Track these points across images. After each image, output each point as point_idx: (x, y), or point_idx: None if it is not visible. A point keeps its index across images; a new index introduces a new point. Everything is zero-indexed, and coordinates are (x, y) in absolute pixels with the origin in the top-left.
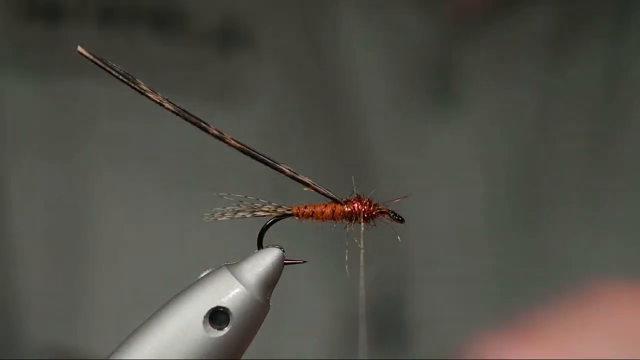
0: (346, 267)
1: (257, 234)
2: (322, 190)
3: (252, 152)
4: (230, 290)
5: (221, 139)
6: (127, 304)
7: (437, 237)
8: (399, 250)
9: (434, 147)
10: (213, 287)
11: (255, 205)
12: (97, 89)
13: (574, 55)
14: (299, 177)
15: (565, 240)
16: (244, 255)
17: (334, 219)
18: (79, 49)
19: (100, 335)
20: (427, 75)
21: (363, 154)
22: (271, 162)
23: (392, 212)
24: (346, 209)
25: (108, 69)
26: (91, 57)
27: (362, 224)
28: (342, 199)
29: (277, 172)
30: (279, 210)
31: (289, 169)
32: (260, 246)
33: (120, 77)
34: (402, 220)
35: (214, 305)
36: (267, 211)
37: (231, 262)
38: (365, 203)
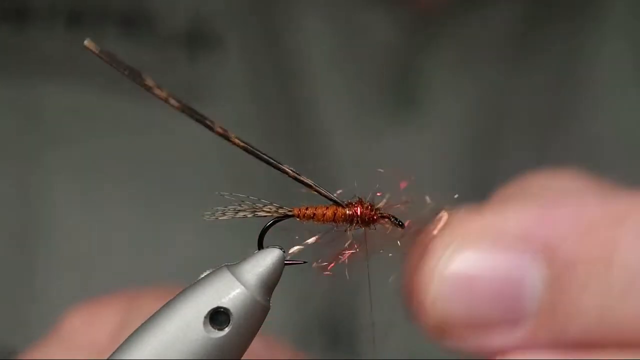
0: (346, 270)
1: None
2: (324, 192)
3: (256, 151)
4: (230, 290)
5: (226, 137)
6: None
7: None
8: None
9: (395, 149)
10: (213, 287)
11: (257, 206)
12: (63, 93)
13: (533, 56)
14: (302, 178)
15: None
16: (244, 256)
17: (335, 222)
18: (86, 42)
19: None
20: (389, 78)
21: (324, 156)
22: (274, 162)
23: (392, 216)
24: (347, 212)
25: (114, 64)
26: (97, 52)
27: (364, 227)
28: (343, 202)
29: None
30: (280, 211)
31: (292, 170)
32: (260, 246)
33: (126, 72)
34: (402, 225)
35: (214, 306)
36: (269, 212)
37: (230, 263)
38: (367, 207)
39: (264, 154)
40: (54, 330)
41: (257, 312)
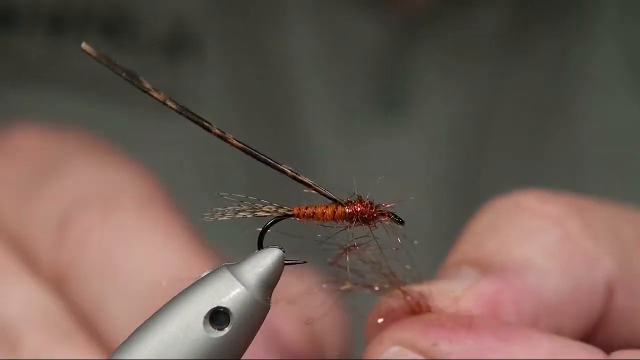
0: (347, 269)
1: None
2: (323, 191)
3: (254, 152)
4: (230, 290)
5: (223, 138)
6: None
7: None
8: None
9: (381, 150)
10: (213, 287)
11: (256, 206)
12: (44, 98)
13: (521, 57)
14: (301, 178)
15: None
16: (244, 256)
17: (335, 220)
18: (83, 46)
19: None
20: (375, 80)
21: (310, 160)
22: (273, 162)
23: (392, 214)
24: (347, 210)
25: (112, 67)
26: (95, 55)
27: (364, 225)
28: (343, 201)
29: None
30: (280, 210)
31: (290, 170)
32: (260, 246)
33: (124, 75)
34: (402, 222)
35: (214, 306)
36: (268, 211)
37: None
38: (366, 205)
39: (262, 154)
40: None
41: (257, 312)
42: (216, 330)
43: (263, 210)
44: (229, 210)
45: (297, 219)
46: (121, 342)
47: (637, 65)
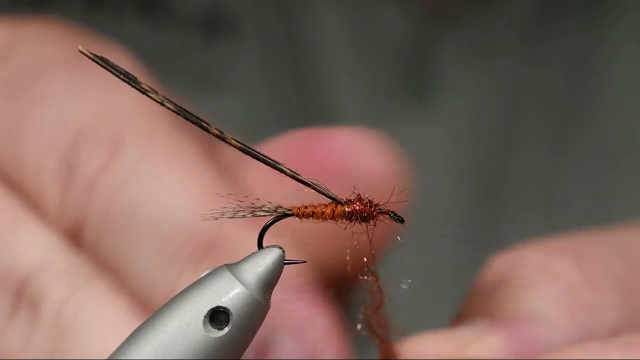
0: (348, 266)
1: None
2: (322, 190)
3: (252, 151)
4: (230, 290)
5: (222, 138)
6: None
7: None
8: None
9: (405, 140)
10: (213, 287)
11: (256, 205)
12: None
13: (545, 48)
14: (300, 177)
15: (525, 242)
16: (244, 255)
17: (334, 219)
18: (80, 48)
19: None
20: (402, 69)
21: None
22: (272, 162)
23: (392, 212)
24: (346, 209)
25: (109, 68)
26: (92, 56)
27: (364, 224)
28: (342, 199)
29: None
30: (279, 210)
31: (289, 169)
32: (260, 246)
33: (121, 76)
34: (402, 221)
35: (214, 305)
36: (268, 211)
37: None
38: (366, 203)
39: (261, 153)
40: None
41: (257, 312)
42: (216, 330)
43: (262, 210)
44: (228, 210)
45: (297, 218)
46: (122, 342)
47: None
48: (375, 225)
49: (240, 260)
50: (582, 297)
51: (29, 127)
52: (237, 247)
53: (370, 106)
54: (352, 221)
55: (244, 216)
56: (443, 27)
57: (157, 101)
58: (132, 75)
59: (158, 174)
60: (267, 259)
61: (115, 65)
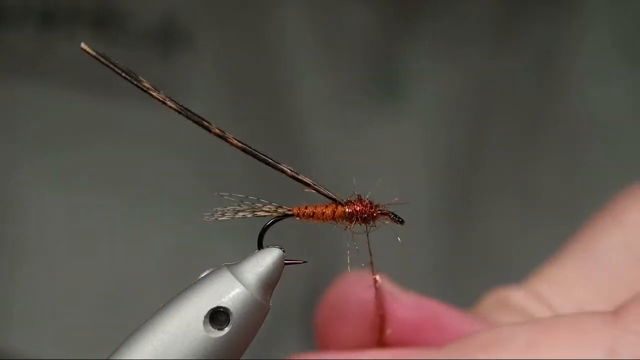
0: (348, 267)
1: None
2: (322, 190)
3: (254, 151)
4: (230, 290)
5: (223, 138)
6: (60, 303)
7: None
8: (334, 243)
9: (377, 138)
10: (213, 287)
11: (256, 206)
12: (34, 94)
13: (514, 41)
14: (300, 177)
15: (501, 235)
16: (244, 255)
17: (334, 220)
18: (82, 45)
19: (33, 337)
20: (369, 68)
21: (304, 150)
22: (272, 161)
23: (392, 213)
24: (347, 210)
25: (111, 66)
26: (94, 54)
27: (364, 225)
28: (342, 200)
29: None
30: (280, 210)
31: (290, 169)
32: (260, 246)
33: (123, 74)
34: (402, 222)
35: (214, 306)
36: (268, 211)
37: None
38: (366, 204)
39: (261, 153)
40: None
41: (257, 312)
42: (216, 330)
43: (263, 210)
44: (228, 210)
45: (297, 218)
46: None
47: (626, 50)
48: (375, 226)
49: (241, 261)
50: None
51: None
52: None
53: (340, 107)
54: (352, 222)
55: (244, 216)
56: (411, 22)
57: (159, 100)
58: (134, 74)
59: None
60: (267, 259)
61: (117, 64)
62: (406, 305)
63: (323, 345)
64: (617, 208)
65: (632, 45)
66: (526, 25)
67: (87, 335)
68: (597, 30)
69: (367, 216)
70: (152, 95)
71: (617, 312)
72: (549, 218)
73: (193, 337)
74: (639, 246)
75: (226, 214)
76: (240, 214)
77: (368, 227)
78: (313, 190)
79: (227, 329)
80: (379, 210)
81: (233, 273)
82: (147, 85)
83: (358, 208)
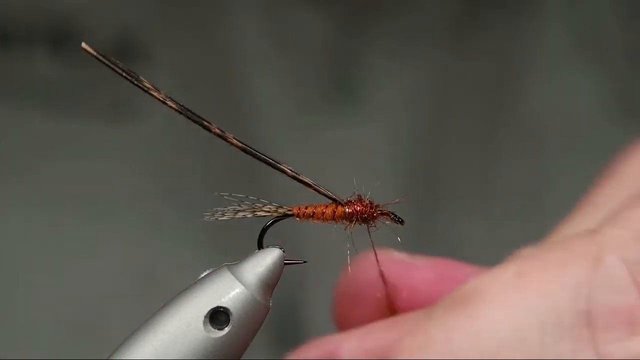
0: (349, 267)
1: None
2: (323, 190)
3: (254, 151)
4: (230, 290)
5: (223, 137)
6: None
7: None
8: (296, 250)
9: (338, 140)
10: (213, 287)
11: (256, 206)
12: None
13: (472, 40)
14: (301, 178)
15: (465, 233)
16: (244, 255)
17: (334, 220)
18: (83, 45)
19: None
20: (327, 70)
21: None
22: (273, 162)
23: (392, 213)
24: (347, 210)
25: (112, 66)
26: (95, 54)
27: (364, 224)
28: (342, 200)
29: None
30: (280, 210)
31: (290, 170)
32: (260, 246)
33: (124, 74)
34: (402, 222)
35: (214, 305)
36: (268, 211)
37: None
38: (366, 204)
39: (261, 153)
40: None
41: (257, 312)
42: (216, 330)
43: (263, 210)
44: (228, 210)
45: (297, 218)
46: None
47: (584, 48)
48: (375, 226)
49: (241, 261)
50: None
51: None
52: None
53: (299, 112)
54: (352, 222)
55: (244, 216)
56: (369, 22)
57: (159, 100)
58: (135, 74)
59: None
60: (267, 259)
61: (118, 63)
62: (421, 268)
63: (342, 327)
64: (621, 165)
65: (590, 44)
66: (485, 25)
67: (55, 354)
68: (556, 29)
69: (367, 216)
70: (152, 95)
71: (596, 229)
72: (513, 215)
73: (193, 337)
74: None
75: (226, 214)
76: (240, 214)
77: (368, 227)
78: (313, 191)
79: (227, 329)
80: (379, 211)
81: (233, 273)
82: (147, 85)
83: (358, 208)
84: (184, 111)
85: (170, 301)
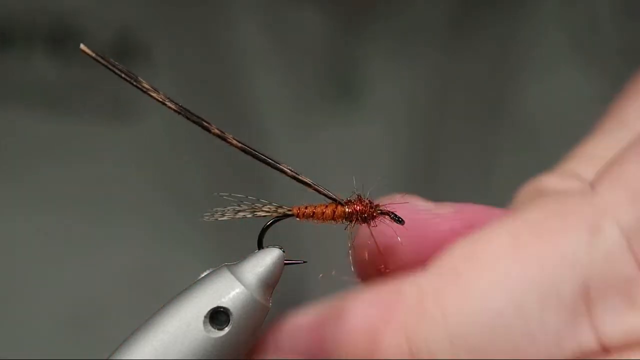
0: (351, 267)
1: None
2: (323, 190)
3: (254, 151)
4: (230, 290)
5: (223, 138)
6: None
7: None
8: (295, 246)
9: (336, 139)
10: (213, 287)
11: (256, 206)
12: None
13: (470, 40)
14: (301, 178)
15: None
16: (244, 255)
17: (334, 220)
18: (82, 47)
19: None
20: (326, 69)
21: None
22: (272, 162)
23: (392, 213)
24: (347, 209)
25: (111, 67)
26: (94, 55)
27: (364, 224)
28: (342, 200)
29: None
30: (280, 210)
31: (290, 169)
32: (260, 246)
33: (123, 75)
34: (402, 222)
35: (214, 306)
36: (268, 211)
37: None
38: (366, 204)
39: (261, 153)
40: None
41: (257, 312)
42: (216, 330)
43: (263, 210)
44: (228, 210)
45: (297, 218)
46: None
47: (581, 48)
48: (375, 226)
49: (241, 261)
50: None
51: None
52: None
53: (299, 111)
54: (352, 222)
55: (244, 216)
56: (367, 22)
57: (158, 100)
58: (134, 75)
59: None
60: (267, 259)
61: (116, 64)
62: (446, 215)
63: (364, 278)
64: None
65: (587, 44)
66: (484, 25)
67: (55, 353)
68: (553, 29)
69: (367, 216)
70: (151, 96)
71: (593, 185)
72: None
73: (193, 337)
74: None
75: (226, 214)
76: (240, 214)
77: (369, 227)
78: (313, 191)
79: (227, 329)
80: (378, 210)
81: (233, 273)
82: (146, 86)
83: (358, 208)
84: (183, 112)
85: (170, 301)
